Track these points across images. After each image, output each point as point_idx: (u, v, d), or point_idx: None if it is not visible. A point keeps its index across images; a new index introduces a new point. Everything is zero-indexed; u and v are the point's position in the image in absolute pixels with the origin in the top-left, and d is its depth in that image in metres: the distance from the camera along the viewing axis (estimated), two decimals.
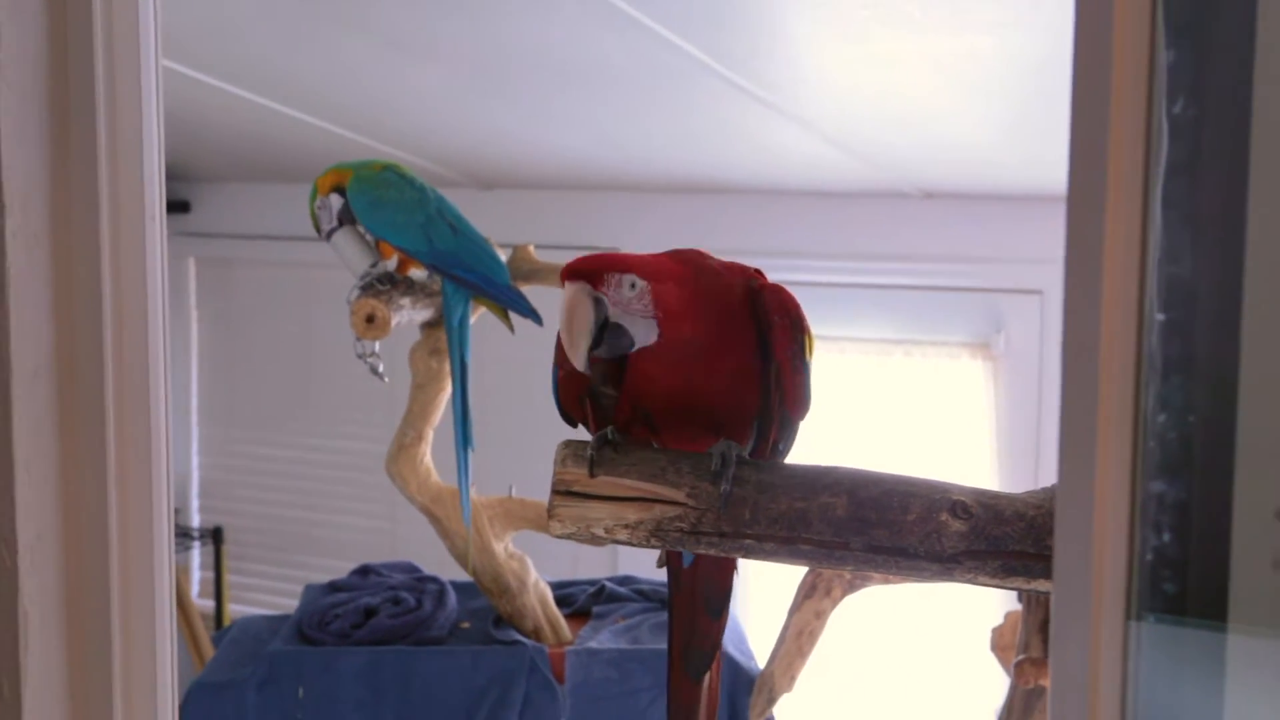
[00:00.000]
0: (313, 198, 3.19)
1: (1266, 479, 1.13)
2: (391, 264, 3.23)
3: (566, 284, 1.66)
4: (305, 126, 4.55)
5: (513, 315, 3.29)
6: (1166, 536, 1.15)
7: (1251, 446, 1.14)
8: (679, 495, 1.73)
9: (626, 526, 1.75)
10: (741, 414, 1.80)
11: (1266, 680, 1.17)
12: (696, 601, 1.92)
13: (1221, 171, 1.14)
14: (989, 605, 4.18)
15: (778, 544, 1.72)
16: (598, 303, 1.64)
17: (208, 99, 4.29)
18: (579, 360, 1.66)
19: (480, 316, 3.35)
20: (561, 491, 1.77)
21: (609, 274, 1.64)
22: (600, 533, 1.77)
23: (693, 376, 1.74)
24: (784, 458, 1.86)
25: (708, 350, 1.72)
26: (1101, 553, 1.15)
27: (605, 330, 1.65)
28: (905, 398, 4.86)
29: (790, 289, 1.78)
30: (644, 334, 1.67)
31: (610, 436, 1.73)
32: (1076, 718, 1.17)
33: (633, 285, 1.65)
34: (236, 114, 4.54)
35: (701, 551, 1.75)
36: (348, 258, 3.20)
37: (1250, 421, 1.14)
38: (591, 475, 1.72)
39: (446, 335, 3.24)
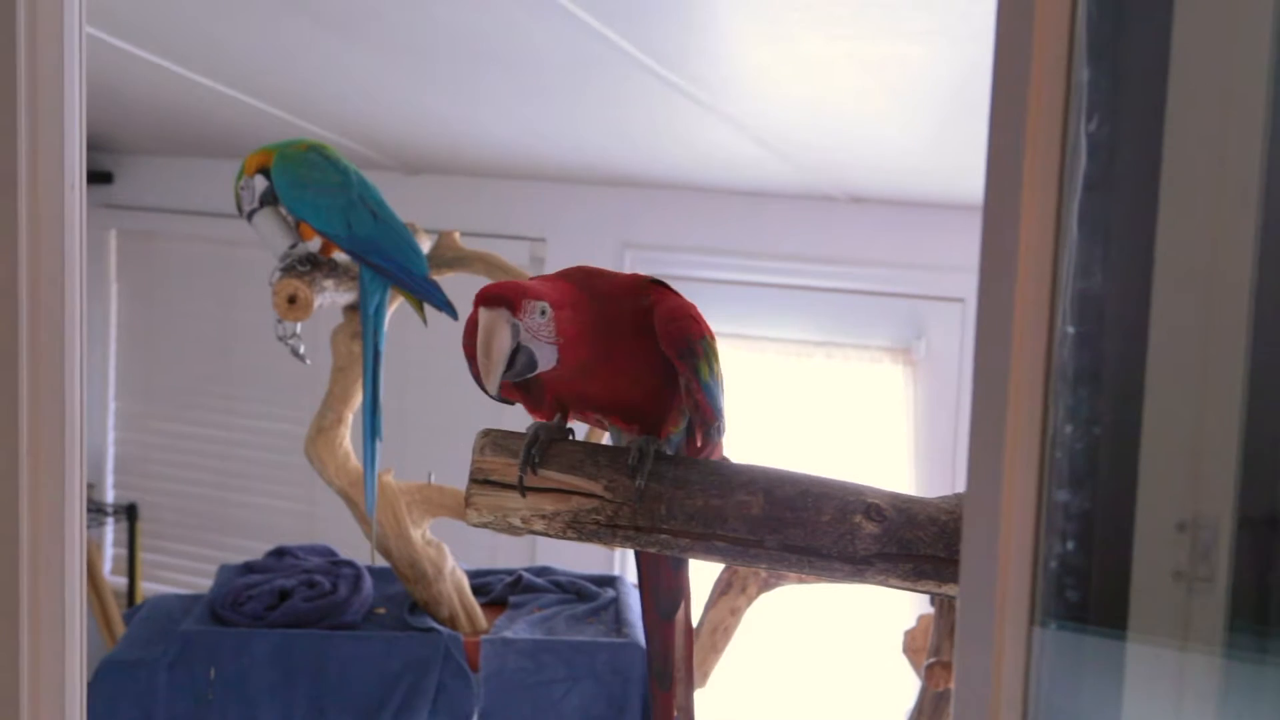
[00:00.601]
0: (239, 177, 3.17)
1: (1169, 492, 1.16)
2: (314, 245, 3.21)
3: (483, 309, 1.71)
4: (233, 102, 4.50)
5: (427, 307, 3.28)
6: (1070, 545, 1.17)
7: (1155, 460, 1.16)
8: (596, 488, 1.75)
9: (543, 517, 1.76)
10: (658, 411, 1.86)
11: (1164, 688, 1.20)
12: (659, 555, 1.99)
13: (1134, 189, 1.16)
14: (902, 608, 4.22)
15: (693, 540, 1.74)
16: (513, 328, 1.70)
17: (134, 70, 4.24)
18: (492, 385, 1.72)
19: (403, 303, 3.34)
20: (479, 480, 1.78)
21: (527, 300, 1.70)
22: (517, 523, 1.78)
23: (593, 388, 1.82)
24: (721, 436, 1.91)
25: (603, 369, 1.79)
26: (1006, 559, 1.17)
27: (516, 354, 1.71)
28: (825, 399, 4.89)
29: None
30: (546, 358, 1.73)
31: (541, 436, 1.76)
32: None
33: (543, 312, 1.71)
34: (164, 87, 4.49)
35: (619, 546, 1.77)
36: (267, 238, 3.18)
37: (1155, 436, 1.16)
38: (521, 479, 1.75)
39: (361, 323, 3.22)
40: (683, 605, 2.06)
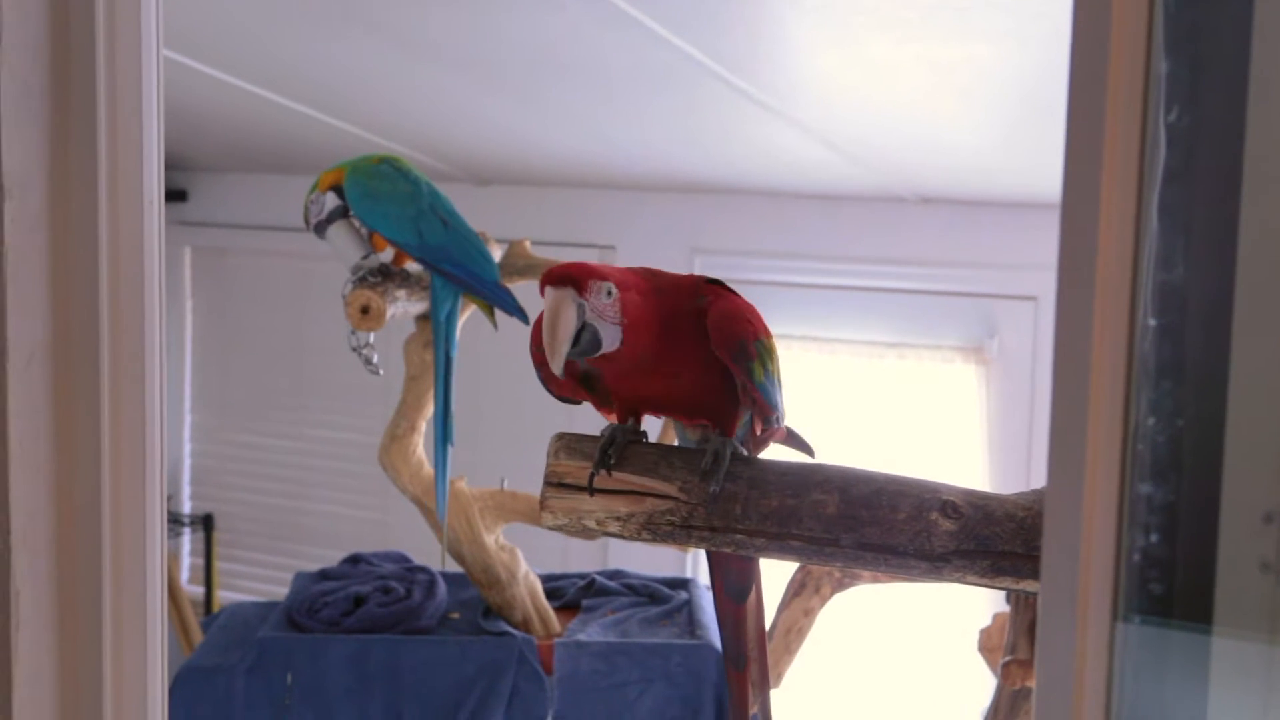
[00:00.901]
0: (311, 192, 3.21)
1: (1254, 483, 1.14)
2: (386, 256, 3.24)
3: (550, 289, 1.73)
4: (304, 119, 4.55)
5: (497, 313, 3.30)
6: (1154, 538, 1.16)
7: (1240, 451, 1.15)
8: (671, 490, 1.75)
9: (618, 519, 1.77)
10: (722, 407, 1.86)
11: (1250, 683, 1.18)
12: None
13: (1216, 180, 1.15)
14: (977, 606, 4.20)
15: (768, 540, 1.74)
16: (579, 308, 1.71)
17: (207, 90, 4.29)
18: (557, 363, 1.72)
19: (474, 312, 3.36)
20: (554, 484, 1.78)
21: (592, 280, 1.72)
22: (591, 525, 1.78)
23: (654, 386, 1.83)
24: (782, 423, 1.92)
25: (664, 365, 1.80)
26: (1088, 554, 1.15)
27: (582, 332, 1.72)
28: (898, 400, 4.87)
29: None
30: (611, 339, 1.74)
31: (617, 438, 1.77)
32: (1061, 718, 1.18)
33: (609, 293, 1.73)
34: (235, 105, 4.55)
35: (694, 546, 1.78)
36: (340, 249, 3.21)
37: (1239, 426, 1.15)
38: (591, 479, 1.76)
39: (433, 330, 3.25)
40: (754, 589, 2.07)
